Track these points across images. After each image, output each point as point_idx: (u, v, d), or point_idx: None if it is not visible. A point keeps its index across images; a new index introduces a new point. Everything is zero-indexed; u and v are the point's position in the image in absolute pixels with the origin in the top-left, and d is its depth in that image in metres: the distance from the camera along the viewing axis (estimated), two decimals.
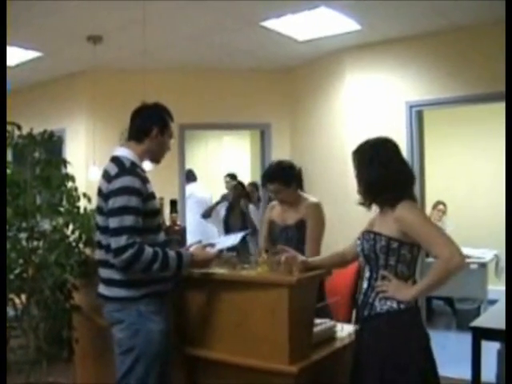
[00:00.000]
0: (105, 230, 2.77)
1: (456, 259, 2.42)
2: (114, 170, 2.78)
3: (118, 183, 2.71)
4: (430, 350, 2.62)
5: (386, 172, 2.59)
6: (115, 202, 2.68)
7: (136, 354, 2.74)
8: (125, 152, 2.88)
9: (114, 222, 2.67)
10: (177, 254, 2.80)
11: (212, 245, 3.08)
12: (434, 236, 2.50)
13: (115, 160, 2.84)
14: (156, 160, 3.03)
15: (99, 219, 2.85)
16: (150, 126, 2.93)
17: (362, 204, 2.72)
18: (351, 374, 2.68)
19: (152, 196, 2.84)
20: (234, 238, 3.19)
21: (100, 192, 2.84)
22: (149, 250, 2.67)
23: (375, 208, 2.73)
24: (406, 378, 2.48)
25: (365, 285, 2.67)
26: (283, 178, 3.72)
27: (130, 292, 2.76)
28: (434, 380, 2.62)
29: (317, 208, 3.75)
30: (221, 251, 3.07)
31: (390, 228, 2.56)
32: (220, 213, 6.99)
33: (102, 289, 2.89)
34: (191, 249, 3.01)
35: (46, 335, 4.01)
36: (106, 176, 2.81)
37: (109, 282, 2.82)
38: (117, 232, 2.65)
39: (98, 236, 2.89)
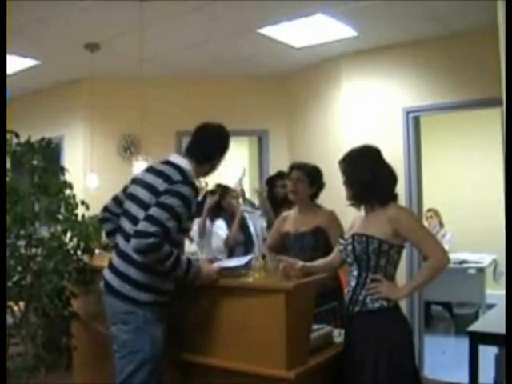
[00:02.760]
0: None
1: (444, 259, 2.72)
2: (176, 175, 2.84)
3: (179, 187, 2.78)
4: (413, 344, 2.88)
5: (376, 174, 2.84)
6: (167, 199, 2.74)
7: (142, 357, 2.77)
8: (187, 166, 2.95)
9: (154, 212, 2.71)
10: (187, 260, 2.86)
11: (218, 259, 3.14)
12: (425, 237, 2.80)
13: (177, 167, 2.91)
14: (202, 176, 3.18)
15: (139, 212, 2.83)
16: (214, 153, 3.06)
17: (353, 205, 2.95)
18: (345, 369, 2.83)
19: (192, 216, 2.93)
20: (238, 260, 3.24)
21: (151, 188, 2.85)
22: (167, 247, 2.71)
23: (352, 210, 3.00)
24: (401, 371, 2.69)
25: (353, 283, 2.85)
26: (311, 171, 3.85)
27: (140, 296, 2.79)
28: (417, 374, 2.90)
29: (335, 215, 3.84)
30: (224, 269, 3.07)
31: (382, 228, 2.76)
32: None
33: (112, 279, 2.87)
34: (199, 262, 3.06)
35: (45, 342, 4.01)
36: (166, 178, 2.84)
37: (125, 278, 2.82)
38: (151, 220, 2.68)
39: (130, 227, 2.83)
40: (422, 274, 2.82)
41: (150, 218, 2.69)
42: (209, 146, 3.04)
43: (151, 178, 2.90)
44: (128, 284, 2.80)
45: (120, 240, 2.94)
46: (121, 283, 2.83)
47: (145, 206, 2.82)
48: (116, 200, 3.13)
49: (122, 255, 2.88)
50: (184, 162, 2.96)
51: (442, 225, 7.81)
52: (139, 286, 2.79)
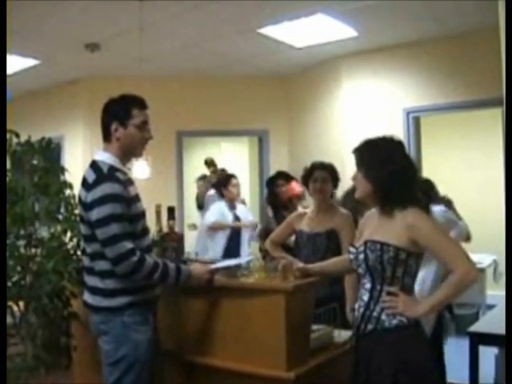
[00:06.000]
0: (88, 239, 2.70)
1: (471, 275, 2.31)
2: (91, 177, 2.67)
3: (98, 192, 2.60)
4: (443, 360, 2.55)
5: (403, 168, 2.47)
6: (100, 212, 2.58)
7: (125, 365, 2.67)
8: (103, 156, 2.77)
9: (104, 233, 2.58)
10: (176, 266, 2.77)
11: (213, 262, 3.11)
12: (450, 249, 2.37)
13: (93, 165, 2.74)
14: (134, 155, 2.89)
15: (81, 227, 2.77)
16: (109, 122, 2.79)
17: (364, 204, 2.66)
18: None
19: (135, 199, 2.75)
20: (238, 261, 3.19)
21: (80, 200, 2.75)
22: (149, 260, 2.63)
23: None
24: None
25: (365, 297, 2.49)
26: (333, 170, 3.86)
27: (113, 302, 2.69)
28: None
29: (350, 219, 3.78)
30: (217, 269, 3.00)
31: (399, 236, 2.39)
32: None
33: (87, 297, 2.82)
34: (191, 266, 3.00)
35: (44, 343, 4.00)
36: (83, 183, 2.71)
37: (93, 290, 2.76)
38: (112, 241, 2.57)
39: (83, 243, 2.82)
40: (446, 289, 2.36)
41: (108, 241, 2.58)
42: (102, 118, 2.85)
43: (79, 190, 2.78)
44: (99, 295, 2.72)
45: (83, 258, 2.88)
46: (93, 297, 2.76)
47: (84, 220, 2.73)
48: None
49: (87, 270, 2.81)
50: (100, 154, 2.78)
51: None
52: (109, 293, 2.69)
